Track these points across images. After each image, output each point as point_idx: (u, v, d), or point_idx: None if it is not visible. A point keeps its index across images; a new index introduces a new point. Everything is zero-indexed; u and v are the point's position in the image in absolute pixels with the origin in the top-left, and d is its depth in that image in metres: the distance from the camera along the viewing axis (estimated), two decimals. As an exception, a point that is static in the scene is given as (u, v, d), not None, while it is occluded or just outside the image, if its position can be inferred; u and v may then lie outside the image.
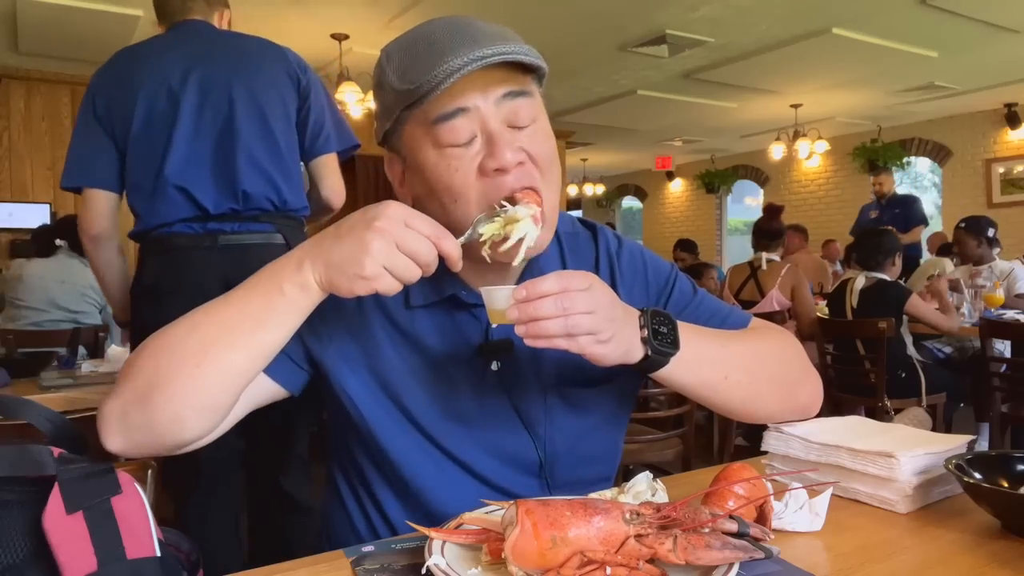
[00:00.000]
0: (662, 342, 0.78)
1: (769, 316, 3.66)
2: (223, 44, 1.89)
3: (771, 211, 4.22)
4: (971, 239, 4.32)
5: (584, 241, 0.98)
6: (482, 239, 0.76)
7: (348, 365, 0.88)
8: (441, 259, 0.86)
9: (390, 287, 0.71)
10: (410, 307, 0.89)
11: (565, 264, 0.95)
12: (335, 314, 0.87)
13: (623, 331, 0.75)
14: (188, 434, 0.75)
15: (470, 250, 0.81)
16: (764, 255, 4.04)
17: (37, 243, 3.52)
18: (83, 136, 1.85)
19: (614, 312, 0.74)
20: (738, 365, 0.87)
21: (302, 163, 1.99)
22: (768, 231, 4.13)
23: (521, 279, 0.88)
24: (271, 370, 0.84)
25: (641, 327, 0.77)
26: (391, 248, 0.69)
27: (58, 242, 3.36)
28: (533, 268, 0.90)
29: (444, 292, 0.87)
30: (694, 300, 0.98)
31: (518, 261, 0.77)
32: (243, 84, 1.82)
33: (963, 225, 4.39)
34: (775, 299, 3.85)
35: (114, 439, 0.74)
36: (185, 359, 0.72)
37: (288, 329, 0.75)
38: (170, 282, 1.77)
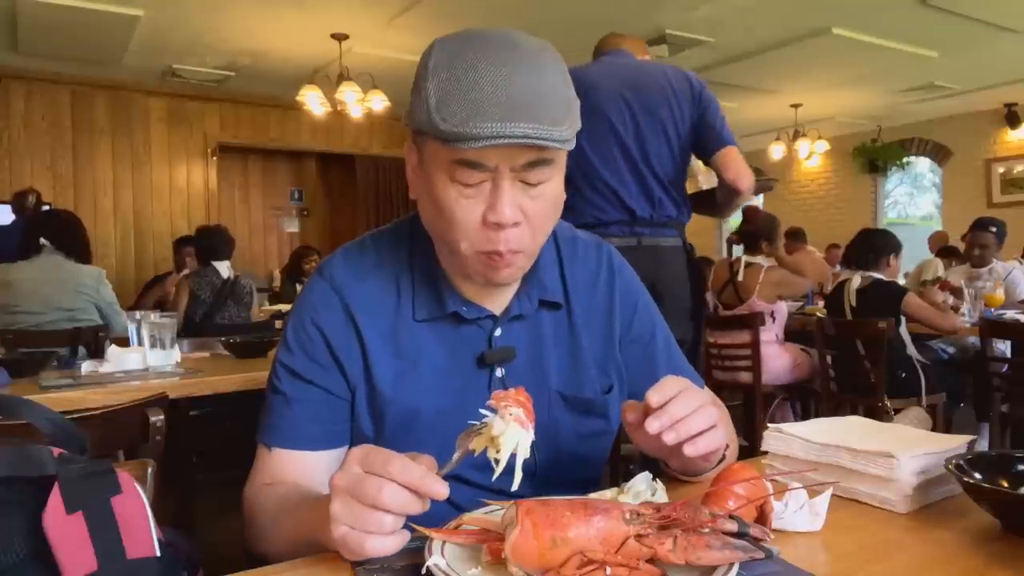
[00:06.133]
0: None
1: (751, 316, 3.66)
2: (645, 72, 2.28)
3: (747, 214, 4.12)
4: (997, 244, 4.30)
5: (583, 248, 1.01)
6: (476, 453, 0.70)
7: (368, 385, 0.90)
8: (437, 278, 0.91)
9: (386, 547, 0.65)
10: (417, 320, 0.90)
11: (563, 269, 0.97)
12: (340, 347, 0.90)
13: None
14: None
15: (460, 266, 0.85)
16: (744, 258, 3.96)
17: (21, 243, 3.35)
18: None
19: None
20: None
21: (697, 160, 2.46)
22: (744, 234, 4.06)
23: (519, 293, 0.92)
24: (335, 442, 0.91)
25: None
26: (350, 503, 0.64)
27: (42, 241, 3.25)
28: (532, 279, 0.93)
29: (447, 308, 0.90)
30: (653, 342, 1.03)
31: (518, 478, 0.70)
32: (660, 106, 2.22)
33: (994, 229, 4.34)
34: (754, 306, 3.79)
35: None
36: (276, 548, 0.81)
37: None
38: None
